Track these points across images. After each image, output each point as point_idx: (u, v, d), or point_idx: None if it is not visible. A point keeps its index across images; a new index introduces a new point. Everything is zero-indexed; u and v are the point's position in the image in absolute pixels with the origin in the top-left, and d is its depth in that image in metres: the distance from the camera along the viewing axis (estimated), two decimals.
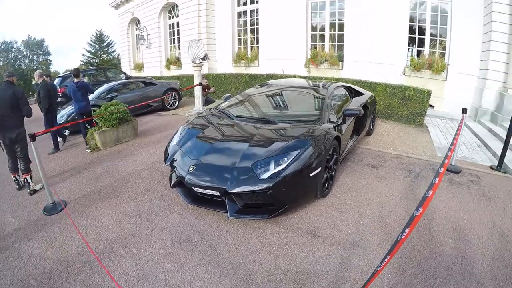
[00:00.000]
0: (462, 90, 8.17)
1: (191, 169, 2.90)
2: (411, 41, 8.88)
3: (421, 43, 8.82)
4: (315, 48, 10.44)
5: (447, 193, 3.71)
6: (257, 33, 11.77)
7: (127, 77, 10.81)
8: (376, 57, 9.05)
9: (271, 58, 11.20)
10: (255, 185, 2.63)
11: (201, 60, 7.16)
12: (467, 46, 7.92)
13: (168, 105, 8.35)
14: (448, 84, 8.45)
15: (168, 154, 3.42)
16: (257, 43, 11.84)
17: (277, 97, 4.47)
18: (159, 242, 2.72)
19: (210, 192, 2.78)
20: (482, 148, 5.56)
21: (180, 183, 3.11)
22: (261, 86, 4.95)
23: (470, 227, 2.98)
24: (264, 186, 2.61)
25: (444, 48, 8.44)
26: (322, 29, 10.23)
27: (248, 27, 12.09)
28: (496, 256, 2.56)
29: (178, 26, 14.18)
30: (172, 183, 3.29)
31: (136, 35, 16.79)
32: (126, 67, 18.42)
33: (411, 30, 8.72)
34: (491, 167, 4.65)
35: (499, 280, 2.29)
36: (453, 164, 4.45)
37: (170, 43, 15.38)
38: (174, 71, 14.48)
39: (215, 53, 13.35)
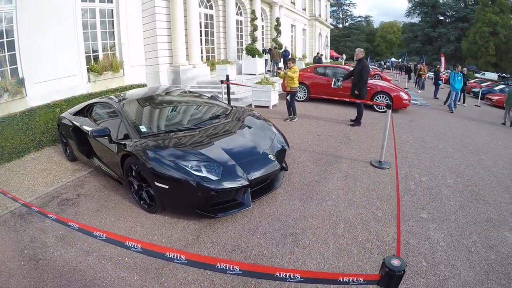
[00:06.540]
0: (137, 78, 10.79)
1: (271, 157, 3.20)
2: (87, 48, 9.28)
3: (95, 48, 9.59)
4: None
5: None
6: None
7: None
8: (58, 73, 8.42)
9: None
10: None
11: None
12: (134, 46, 10.36)
13: None
14: (126, 78, 10.63)
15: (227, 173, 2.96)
16: None
17: (176, 105, 4.66)
18: None
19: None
20: None
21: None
22: (142, 101, 4.37)
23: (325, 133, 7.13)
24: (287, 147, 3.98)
25: (116, 50, 10.11)
26: None
27: None
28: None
29: None
30: (241, 197, 3.05)
31: None
32: None
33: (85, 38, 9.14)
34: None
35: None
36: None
37: None
38: None
39: None
